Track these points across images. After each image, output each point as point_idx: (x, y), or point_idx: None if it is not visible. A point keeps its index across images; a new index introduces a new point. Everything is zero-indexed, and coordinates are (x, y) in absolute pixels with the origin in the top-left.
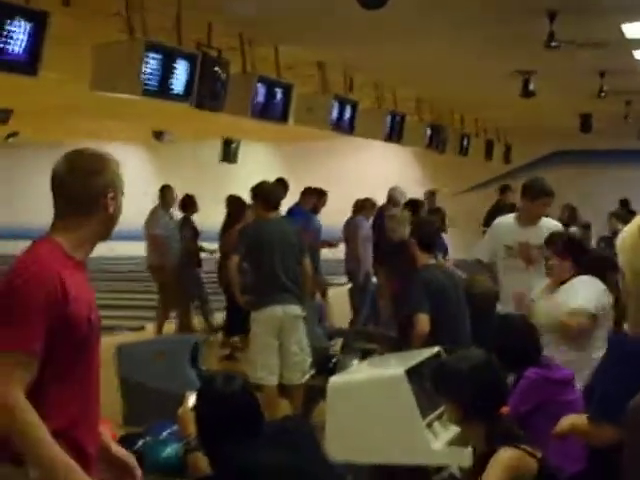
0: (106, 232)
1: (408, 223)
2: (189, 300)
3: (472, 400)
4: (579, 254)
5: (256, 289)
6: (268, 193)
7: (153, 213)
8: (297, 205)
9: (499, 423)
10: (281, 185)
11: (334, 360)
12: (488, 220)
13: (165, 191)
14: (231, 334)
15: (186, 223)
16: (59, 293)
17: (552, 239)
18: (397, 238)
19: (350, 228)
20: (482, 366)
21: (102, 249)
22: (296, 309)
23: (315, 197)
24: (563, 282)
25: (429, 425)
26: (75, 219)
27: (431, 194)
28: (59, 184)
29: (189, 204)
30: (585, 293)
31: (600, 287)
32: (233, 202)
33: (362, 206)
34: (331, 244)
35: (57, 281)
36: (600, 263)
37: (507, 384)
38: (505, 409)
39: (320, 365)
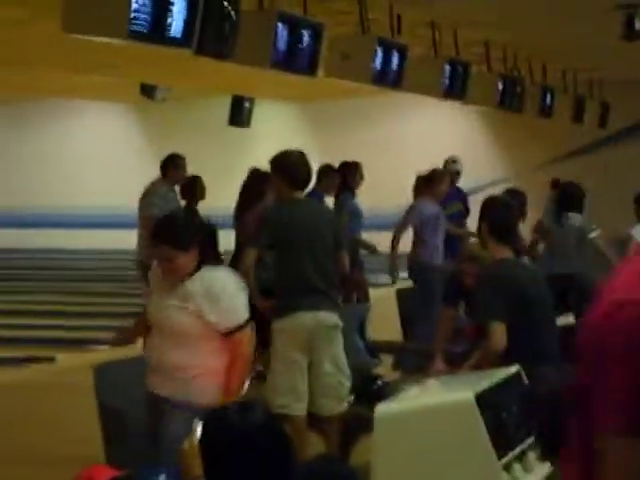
0: None
1: None
2: None
3: (552, 432)
4: None
5: (279, 291)
6: (294, 166)
7: (151, 189)
8: (314, 190)
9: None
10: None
11: (379, 383)
12: None
13: (173, 161)
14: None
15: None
16: None
17: None
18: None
19: (414, 214)
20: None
21: (65, 238)
22: (331, 317)
23: (336, 178)
24: None
25: (507, 467)
26: None
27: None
28: None
29: (193, 189)
30: None
31: None
32: (254, 177)
33: (428, 184)
34: (369, 247)
35: None
36: None
37: None
38: None
39: (361, 389)
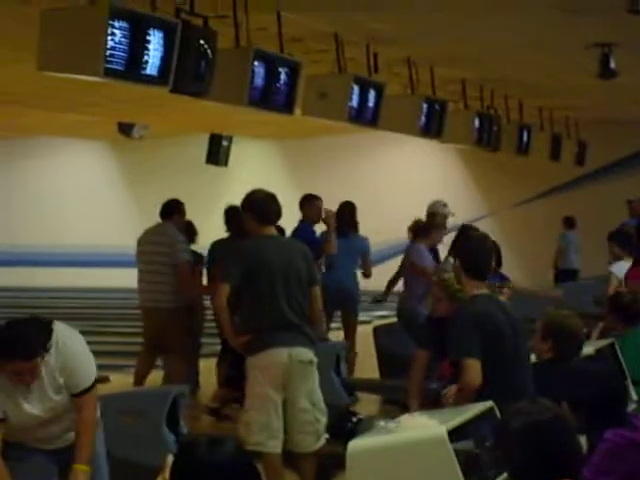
0: None
1: None
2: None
3: (523, 467)
4: None
5: (253, 327)
6: (262, 202)
7: (172, 233)
8: (303, 222)
9: None
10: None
11: (354, 419)
12: None
13: (178, 207)
14: (229, 386)
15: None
16: None
17: None
18: None
19: (414, 255)
20: (542, 423)
21: (43, 276)
22: (306, 352)
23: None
24: None
25: None
26: None
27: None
28: None
29: (191, 234)
30: None
31: None
32: (232, 215)
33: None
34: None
35: None
36: None
37: (579, 448)
38: None
39: (337, 426)
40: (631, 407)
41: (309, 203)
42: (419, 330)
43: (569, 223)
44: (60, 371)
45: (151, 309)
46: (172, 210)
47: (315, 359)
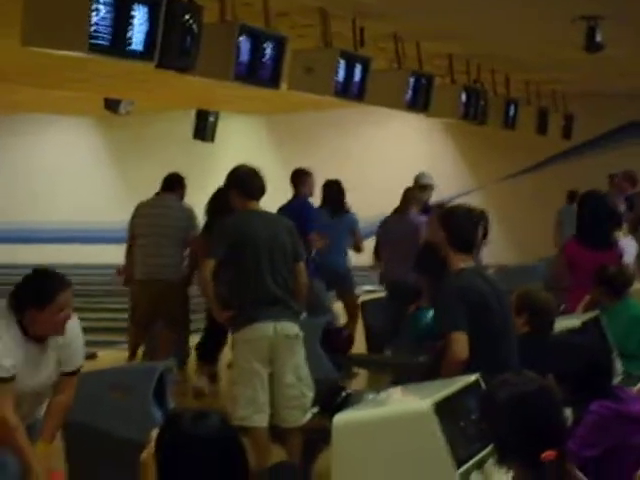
0: None
1: None
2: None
3: (509, 438)
4: None
5: (238, 301)
6: (247, 177)
7: (188, 208)
8: (297, 197)
9: (551, 471)
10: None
11: (343, 394)
12: None
13: (180, 181)
14: (208, 360)
15: None
16: None
17: None
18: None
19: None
20: (527, 395)
21: (29, 253)
22: (292, 327)
23: (312, 180)
24: None
25: (465, 475)
26: None
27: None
28: None
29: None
30: None
31: None
32: (220, 195)
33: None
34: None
35: None
36: None
37: (564, 420)
38: (549, 453)
39: (326, 401)
40: (617, 380)
41: (302, 179)
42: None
43: (572, 197)
44: (63, 346)
45: (149, 281)
46: (175, 183)
47: (301, 333)
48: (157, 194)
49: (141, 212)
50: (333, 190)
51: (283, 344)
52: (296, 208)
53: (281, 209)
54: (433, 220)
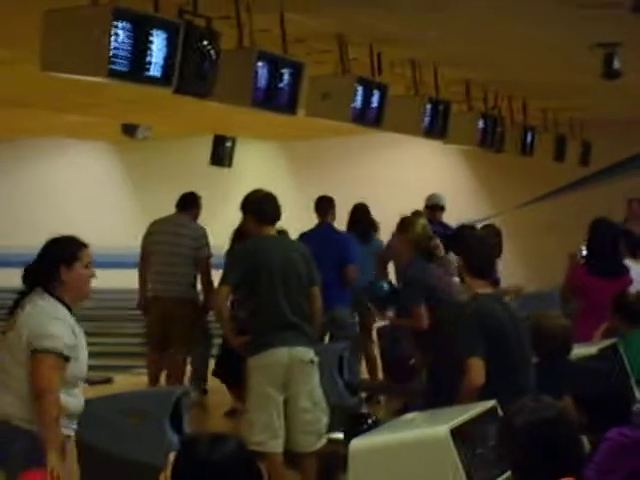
0: None
1: None
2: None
3: (526, 464)
4: None
5: (253, 327)
6: (261, 203)
7: (200, 229)
8: (326, 224)
9: None
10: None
11: (370, 421)
12: None
13: (196, 201)
14: (230, 384)
15: None
16: None
17: None
18: None
19: None
20: (545, 421)
21: None
22: (307, 352)
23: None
24: None
25: None
26: None
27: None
28: None
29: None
30: None
31: None
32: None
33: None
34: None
35: None
36: None
37: (582, 446)
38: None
39: (350, 428)
40: (635, 407)
41: (329, 206)
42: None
43: None
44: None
45: (161, 298)
46: (190, 203)
47: (316, 358)
48: (173, 213)
49: (154, 230)
50: (361, 213)
51: (298, 369)
52: (328, 236)
53: (304, 235)
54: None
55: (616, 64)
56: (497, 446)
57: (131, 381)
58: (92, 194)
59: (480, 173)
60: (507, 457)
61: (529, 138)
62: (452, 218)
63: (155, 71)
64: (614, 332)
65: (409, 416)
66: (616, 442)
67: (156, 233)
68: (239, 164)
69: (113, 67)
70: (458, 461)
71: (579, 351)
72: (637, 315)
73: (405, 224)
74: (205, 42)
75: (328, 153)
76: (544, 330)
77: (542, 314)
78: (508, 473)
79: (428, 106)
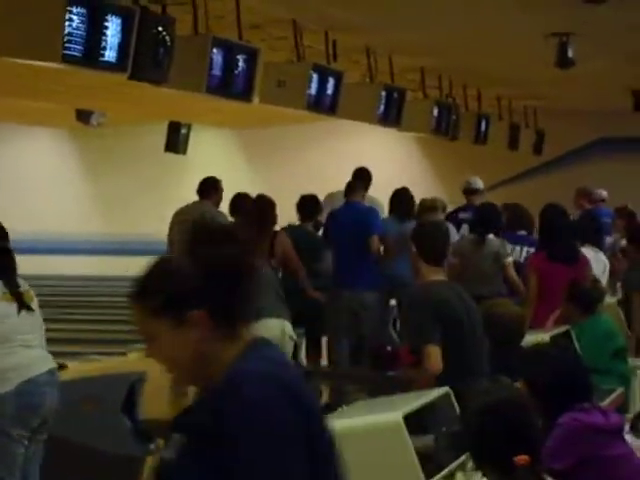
0: None
1: None
2: None
3: (483, 444)
4: None
5: None
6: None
7: (218, 214)
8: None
9: (524, 476)
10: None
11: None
12: None
13: (216, 185)
14: None
15: None
16: None
17: None
18: None
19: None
20: (501, 401)
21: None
22: (291, 328)
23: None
24: None
25: None
26: None
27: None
28: None
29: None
30: None
31: None
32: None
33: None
34: None
35: None
36: None
37: (537, 426)
38: (522, 458)
39: None
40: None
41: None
42: None
43: None
44: None
45: None
46: (210, 190)
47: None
48: (195, 201)
49: (178, 219)
50: (406, 196)
51: (288, 346)
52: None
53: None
54: None
55: (570, 53)
56: (451, 432)
57: (84, 368)
58: (46, 181)
59: (435, 161)
60: (465, 438)
61: (483, 126)
62: None
63: (110, 57)
64: (567, 319)
65: (362, 402)
66: (568, 427)
67: (180, 222)
68: (194, 151)
69: (67, 52)
70: (411, 448)
71: (531, 338)
72: (590, 304)
73: None
74: (160, 28)
75: (284, 141)
76: (497, 317)
77: (494, 302)
78: (461, 459)
79: (383, 93)
